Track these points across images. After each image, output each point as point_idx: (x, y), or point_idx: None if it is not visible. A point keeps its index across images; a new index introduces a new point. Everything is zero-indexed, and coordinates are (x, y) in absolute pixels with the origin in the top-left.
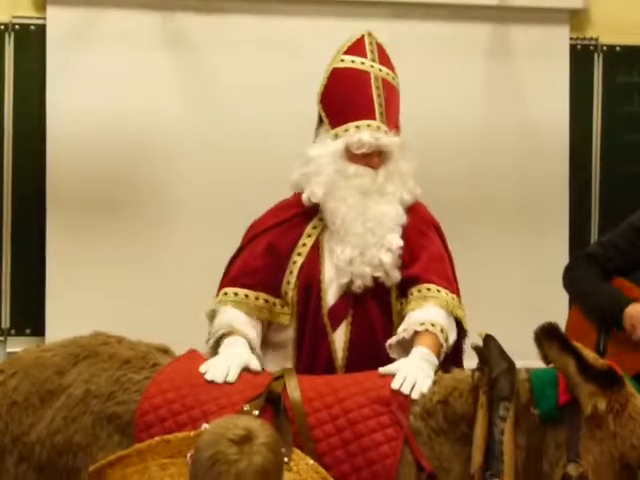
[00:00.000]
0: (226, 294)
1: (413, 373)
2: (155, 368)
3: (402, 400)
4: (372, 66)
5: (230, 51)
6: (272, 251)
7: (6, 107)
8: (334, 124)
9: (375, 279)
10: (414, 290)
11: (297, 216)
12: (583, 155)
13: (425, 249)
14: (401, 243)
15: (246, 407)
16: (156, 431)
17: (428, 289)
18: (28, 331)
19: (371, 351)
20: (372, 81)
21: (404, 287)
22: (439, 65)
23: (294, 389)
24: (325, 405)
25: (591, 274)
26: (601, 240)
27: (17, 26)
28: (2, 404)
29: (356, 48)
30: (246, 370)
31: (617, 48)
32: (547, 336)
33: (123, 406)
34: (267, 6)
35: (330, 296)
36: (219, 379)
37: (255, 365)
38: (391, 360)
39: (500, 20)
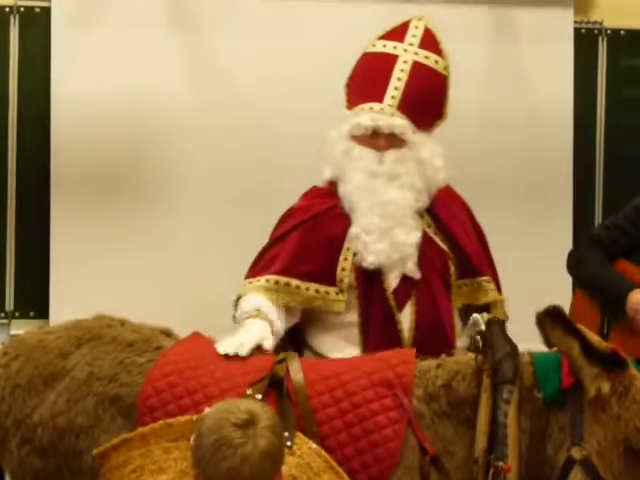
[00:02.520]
0: (277, 282)
1: None
2: (158, 351)
3: (405, 383)
4: (405, 50)
5: (236, 32)
6: (323, 240)
7: (11, 89)
8: (349, 107)
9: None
10: (475, 282)
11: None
12: (587, 139)
13: (469, 239)
14: (410, 238)
15: (249, 391)
16: (159, 415)
17: (488, 281)
18: (32, 313)
19: (436, 330)
20: (398, 64)
21: (461, 270)
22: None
23: (297, 372)
24: (328, 388)
25: (595, 258)
26: (605, 222)
27: (22, 8)
28: (5, 387)
29: (394, 33)
30: (258, 349)
31: (621, 32)
32: (551, 319)
33: (126, 388)
34: None
35: (392, 278)
36: (231, 351)
37: (268, 345)
38: (452, 337)
39: (504, 3)
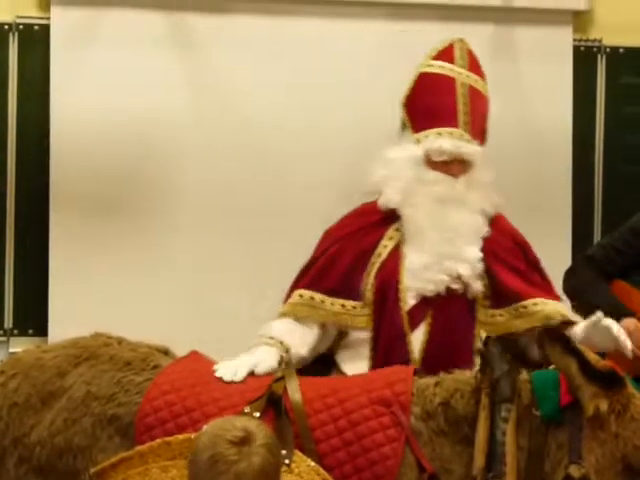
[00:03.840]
0: (301, 296)
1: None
2: (156, 370)
3: (403, 401)
4: (460, 73)
5: (234, 51)
6: (353, 255)
7: (10, 107)
8: (416, 129)
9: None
10: (519, 306)
11: (380, 220)
12: (586, 156)
13: (512, 268)
14: (480, 255)
15: (247, 409)
16: (157, 433)
17: (535, 304)
18: (31, 331)
19: (448, 354)
20: (458, 88)
21: (497, 300)
22: None
23: (295, 390)
24: (326, 406)
25: (591, 279)
26: (601, 242)
27: (21, 26)
28: (3, 405)
29: (445, 54)
30: (252, 373)
31: (620, 50)
32: (549, 337)
33: (124, 408)
34: (272, 6)
35: (410, 297)
36: (227, 377)
37: (260, 370)
38: (468, 364)
39: (503, 21)
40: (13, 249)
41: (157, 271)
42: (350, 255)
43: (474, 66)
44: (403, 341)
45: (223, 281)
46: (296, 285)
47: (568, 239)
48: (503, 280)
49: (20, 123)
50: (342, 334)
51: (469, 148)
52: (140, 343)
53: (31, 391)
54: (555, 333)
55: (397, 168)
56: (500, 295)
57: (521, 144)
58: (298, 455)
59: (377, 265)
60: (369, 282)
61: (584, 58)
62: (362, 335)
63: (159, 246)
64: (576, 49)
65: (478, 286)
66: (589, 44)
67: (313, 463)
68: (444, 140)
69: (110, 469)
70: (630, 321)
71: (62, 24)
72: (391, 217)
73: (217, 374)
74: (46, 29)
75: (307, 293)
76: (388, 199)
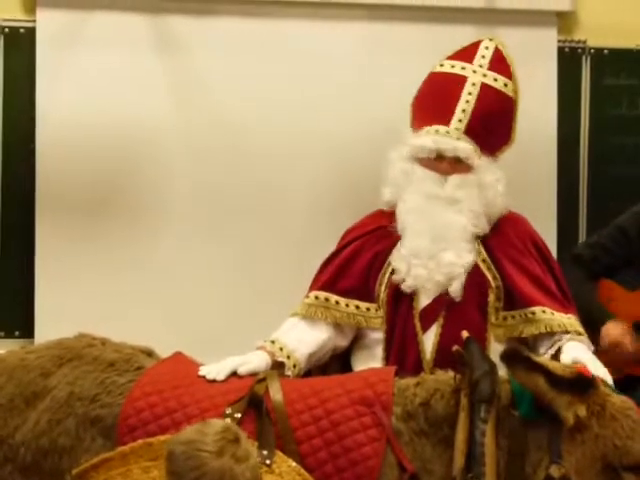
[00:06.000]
0: (317, 297)
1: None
2: (139, 371)
3: (384, 401)
4: (474, 71)
5: (220, 54)
6: (369, 256)
7: None
8: (414, 127)
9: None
10: (528, 312)
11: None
12: (571, 158)
13: (525, 271)
14: (466, 256)
15: (228, 410)
16: (139, 434)
17: (543, 311)
18: (17, 333)
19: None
20: (466, 86)
21: (508, 302)
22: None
23: (276, 391)
24: (308, 407)
25: (577, 279)
26: (588, 241)
27: (6, 29)
28: None
29: (464, 53)
30: (234, 373)
31: (605, 51)
32: (510, 360)
33: (106, 409)
34: (256, 9)
35: (424, 298)
36: (210, 376)
37: (243, 370)
38: None
39: (487, 22)
40: None
41: (143, 272)
42: (366, 256)
43: (498, 65)
44: (414, 342)
45: (209, 282)
46: (314, 285)
47: (553, 240)
48: (515, 283)
49: (6, 126)
50: (358, 336)
51: (453, 145)
52: (124, 344)
53: (15, 392)
54: (514, 354)
55: (390, 167)
56: (511, 298)
57: None
58: (279, 455)
59: (392, 266)
60: (383, 283)
61: (569, 59)
62: (376, 336)
63: (145, 247)
64: (560, 50)
65: (456, 286)
66: (574, 45)
67: (294, 464)
68: (427, 137)
69: (92, 470)
70: (613, 328)
71: (48, 27)
72: None
73: (201, 373)
74: (32, 32)
75: (322, 294)
76: (385, 196)
